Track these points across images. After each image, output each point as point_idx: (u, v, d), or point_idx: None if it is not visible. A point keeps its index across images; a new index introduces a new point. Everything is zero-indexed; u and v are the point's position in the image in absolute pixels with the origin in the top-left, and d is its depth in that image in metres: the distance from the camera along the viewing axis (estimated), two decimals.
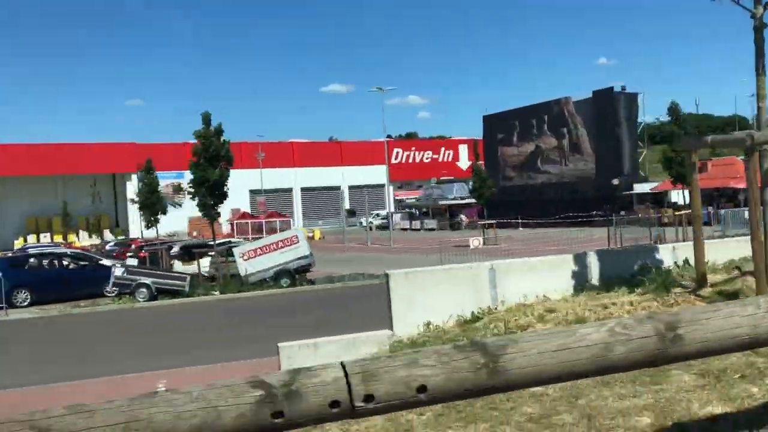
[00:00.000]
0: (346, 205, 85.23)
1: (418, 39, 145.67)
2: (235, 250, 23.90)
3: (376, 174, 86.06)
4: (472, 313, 7.26)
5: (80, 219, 72.94)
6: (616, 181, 49.57)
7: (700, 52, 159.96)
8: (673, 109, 33.40)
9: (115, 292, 23.53)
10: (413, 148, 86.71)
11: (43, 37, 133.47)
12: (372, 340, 7.02)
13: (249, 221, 61.46)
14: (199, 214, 74.08)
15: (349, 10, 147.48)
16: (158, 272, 23.55)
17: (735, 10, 6.89)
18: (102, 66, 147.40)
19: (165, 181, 75.36)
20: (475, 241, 24.19)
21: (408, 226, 67.70)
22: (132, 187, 73.80)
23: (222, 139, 22.83)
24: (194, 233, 70.42)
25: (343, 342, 6.96)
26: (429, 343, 6.51)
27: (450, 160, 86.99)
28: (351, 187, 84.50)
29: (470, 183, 77.72)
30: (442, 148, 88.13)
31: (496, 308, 7.38)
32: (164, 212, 36.62)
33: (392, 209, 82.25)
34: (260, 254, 23.52)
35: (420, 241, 47.95)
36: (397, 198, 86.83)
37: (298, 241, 23.88)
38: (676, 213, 31.98)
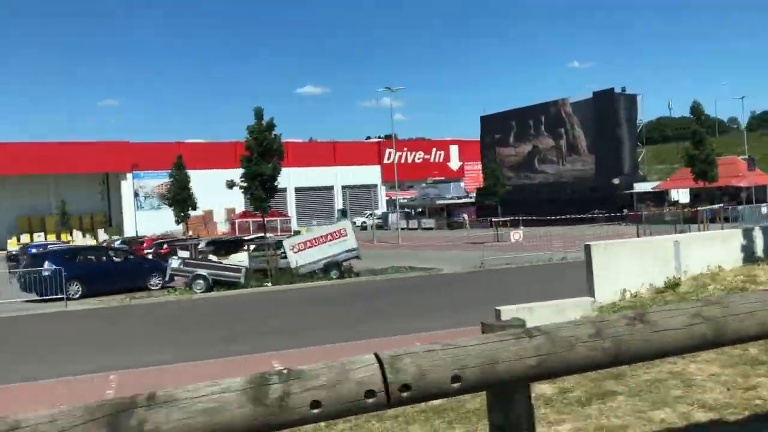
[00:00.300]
0: (339, 205, 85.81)
1: (392, 41, 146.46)
2: (286, 243, 24.28)
3: (368, 174, 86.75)
4: (664, 281, 7.92)
5: (74, 218, 72.19)
6: (617, 181, 50.85)
7: (677, 55, 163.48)
8: (696, 109, 34.57)
9: (161, 283, 24.04)
10: (405, 149, 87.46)
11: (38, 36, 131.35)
12: (578, 306, 7.63)
13: (251, 220, 61.51)
14: (196, 213, 73.70)
15: (324, 13, 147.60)
16: (214, 264, 23.85)
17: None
18: (78, 65, 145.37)
19: (157, 180, 75.17)
20: (516, 235, 24.87)
21: (405, 226, 68.27)
22: (128, 186, 73.42)
23: (273, 134, 23.22)
24: (189, 233, 70.15)
25: (552, 307, 7.54)
26: (632, 308, 7.11)
27: (441, 160, 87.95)
28: (344, 187, 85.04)
29: (462, 182, 78.97)
30: (434, 149, 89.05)
31: (679, 278, 8.05)
32: (194, 208, 36.82)
33: (384, 209, 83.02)
34: (310, 247, 23.94)
35: (426, 239, 48.72)
36: (388, 198, 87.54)
37: (346, 234, 24.36)
38: (690, 209, 33.20)
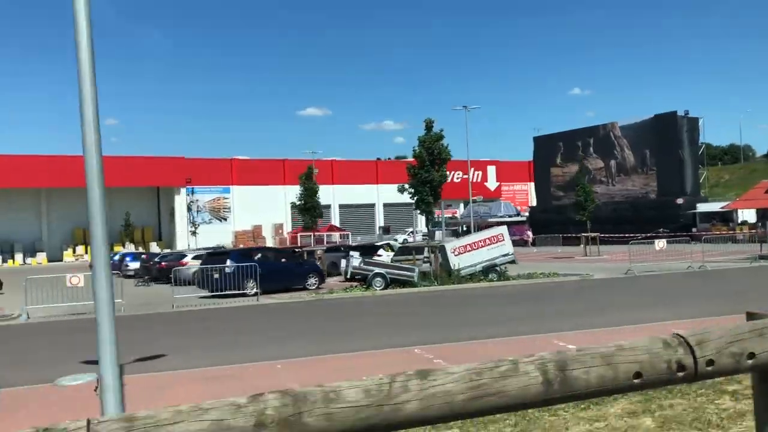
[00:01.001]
0: (381, 222, 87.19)
1: (392, 64, 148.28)
2: (447, 246, 25.67)
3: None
4: None
5: (130, 231, 73.17)
6: (680, 200, 52.54)
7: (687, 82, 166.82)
8: None
9: (317, 283, 25.55)
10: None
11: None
12: None
13: (312, 234, 62.78)
14: (244, 228, 75.38)
15: (326, 34, 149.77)
16: (391, 264, 25.22)
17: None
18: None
19: (209, 195, 76.49)
20: (660, 243, 26.40)
21: None
22: (181, 200, 74.64)
23: (441, 144, 24.79)
24: (240, 245, 71.21)
25: None
26: None
27: (479, 180, 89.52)
28: (385, 205, 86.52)
29: (525, 198, 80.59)
30: (472, 169, 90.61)
31: None
32: (320, 215, 38.25)
33: (423, 227, 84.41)
34: (470, 250, 25.34)
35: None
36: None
37: (503, 239, 25.79)
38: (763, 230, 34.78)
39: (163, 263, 33.72)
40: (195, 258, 33.00)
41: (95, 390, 6.10)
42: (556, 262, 34.85)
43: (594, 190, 67.00)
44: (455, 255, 25.16)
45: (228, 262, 24.31)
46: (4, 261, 66.73)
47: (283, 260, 26.56)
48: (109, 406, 5.92)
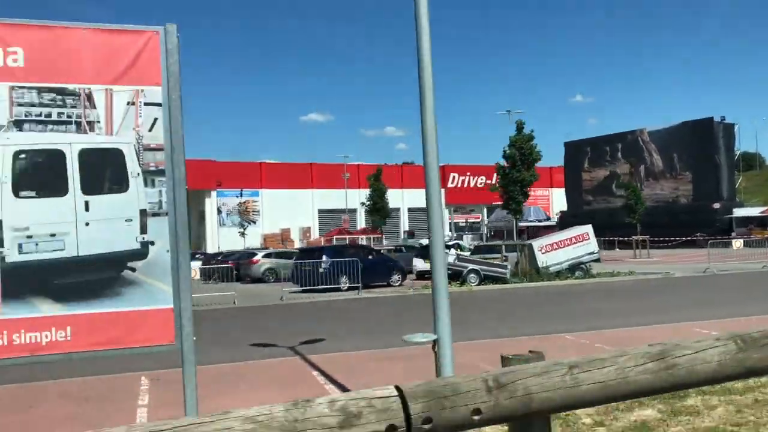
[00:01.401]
0: (405, 227, 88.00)
1: (394, 69, 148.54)
2: (534, 244, 26.36)
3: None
4: None
5: None
6: (717, 205, 53.37)
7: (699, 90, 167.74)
8: None
9: (400, 279, 26.38)
10: (468, 173, 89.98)
11: None
12: None
13: (347, 236, 63.44)
14: (272, 231, 75.94)
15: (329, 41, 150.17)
16: (484, 260, 25.91)
17: None
18: None
19: (238, 199, 77.09)
20: (738, 243, 27.17)
21: None
22: (211, 203, 75.23)
23: (532, 144, 25.55)
24: (269, 248, 71.72)
25: None
26: None
27: None
28: (410, 209, 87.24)
29: (546, 203, 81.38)
30: (495, 174, 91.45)
31: None
32: (389, 216, 38.98)
33: (448, 231, 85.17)
34: (556, 248, 26.03)
35: None
36: (451, 221, 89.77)
37: (589, 238, 26.49)
38: None
39: (230, 261, 34.34)
40: (265, 256, 33.66)
41: (433, 348, 6.96)
42: (613, 264, 35.50)
43: (623, 195, 68.09)
44: (542, 253, 25.83)
45: (324, 258, 24.94)
46: None
47: (371, 257, 27.23)
48: (446, 363, 6.80)
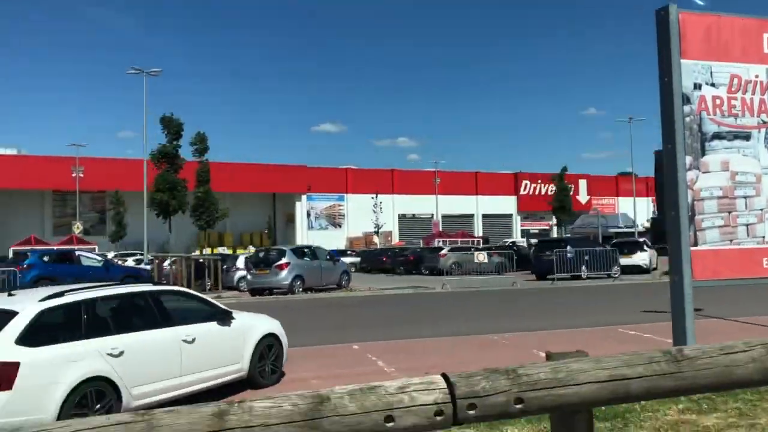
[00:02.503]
0: (480, 232, 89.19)
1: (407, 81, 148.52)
2: None
3: (505, 204, 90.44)
4: None
5: (245, 235, 75.28)
6: None
7: None
8: None
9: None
10: (539, 181, 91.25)
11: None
12: None
13: (447, 239, 64.65)
14: (356, 234, 77.09)
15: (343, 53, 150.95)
16: None
17: None
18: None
19: (326, 203, 78.63)
20: None
21: None
22: (301, 207, 76.75)
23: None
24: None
25: None
26: None
27: (572, 193, 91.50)
28: (484, 216, 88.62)
29: (612, 212, 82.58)
30: (565, 182, 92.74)
31: None
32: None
33: (519, 237, 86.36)
34: None
35: None
36: (523, 228, 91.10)
37: None
38: None
39: (411, 256, 35.78)
40: (450, 251, 35.00)
41: None
42: None
43: None
44: None
45: (568, 248, 26.30)
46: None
47: (598, 249, 28.69)
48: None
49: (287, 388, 8.65)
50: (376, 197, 72.41)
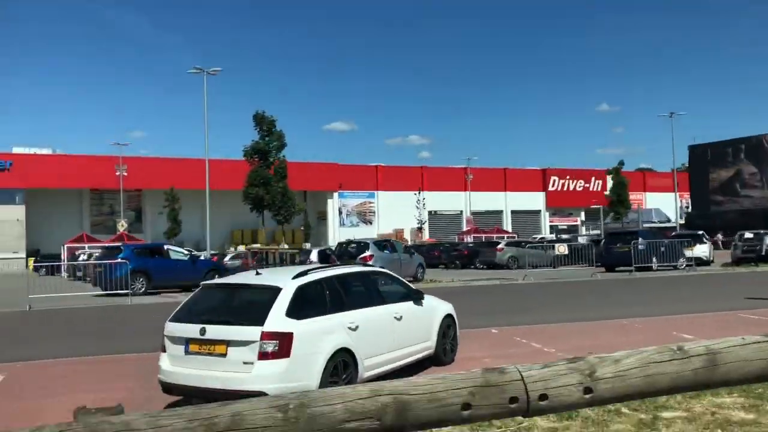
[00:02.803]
0: (508, 228, 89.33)
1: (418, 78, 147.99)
2: None
3: (533, 200, 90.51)
4: None
5: (278, 233, 75.76)
6: None
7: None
8: None
9: None
10: (568, 177, 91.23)
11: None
12: None
13: (483, 235, 64.94)
14: (387, 231, 77.24)
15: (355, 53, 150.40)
16: None
17: None
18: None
19: (357, 200, 79.08)
20: None
21: None
22: (333, 204, 77.22)
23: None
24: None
25: None
26: None
27: (600, 189, 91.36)
28: (512, 212, 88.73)
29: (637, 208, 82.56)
30: (593, 178, 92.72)
31: None
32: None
33: (547, 233, 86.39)
34: None
35: None
36: (551, 224, 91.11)
37: None
38: None
39: (465, 250, 36.10)
40: (508, 245, 35.33)
41: None
42: None
43: (749, 195, 68.93)
44: None
45: (640, 240, 26.58)
46: None
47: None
48: None
49: (466, 365, 9.03)
50: (419, 193, 72.81)
